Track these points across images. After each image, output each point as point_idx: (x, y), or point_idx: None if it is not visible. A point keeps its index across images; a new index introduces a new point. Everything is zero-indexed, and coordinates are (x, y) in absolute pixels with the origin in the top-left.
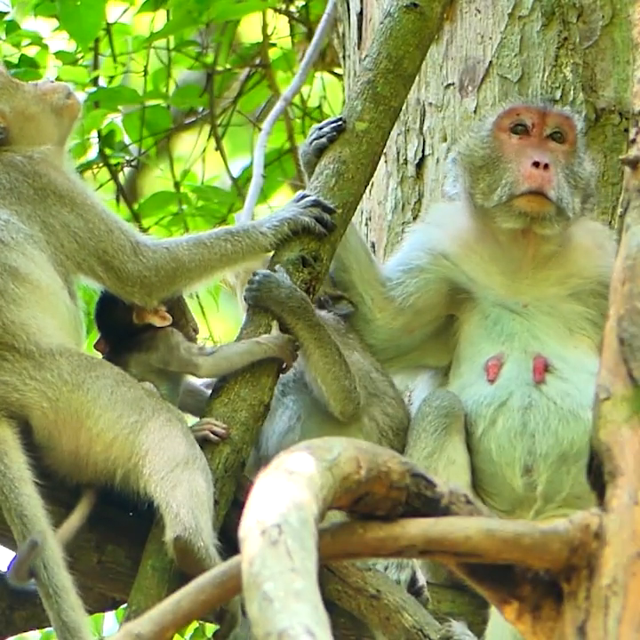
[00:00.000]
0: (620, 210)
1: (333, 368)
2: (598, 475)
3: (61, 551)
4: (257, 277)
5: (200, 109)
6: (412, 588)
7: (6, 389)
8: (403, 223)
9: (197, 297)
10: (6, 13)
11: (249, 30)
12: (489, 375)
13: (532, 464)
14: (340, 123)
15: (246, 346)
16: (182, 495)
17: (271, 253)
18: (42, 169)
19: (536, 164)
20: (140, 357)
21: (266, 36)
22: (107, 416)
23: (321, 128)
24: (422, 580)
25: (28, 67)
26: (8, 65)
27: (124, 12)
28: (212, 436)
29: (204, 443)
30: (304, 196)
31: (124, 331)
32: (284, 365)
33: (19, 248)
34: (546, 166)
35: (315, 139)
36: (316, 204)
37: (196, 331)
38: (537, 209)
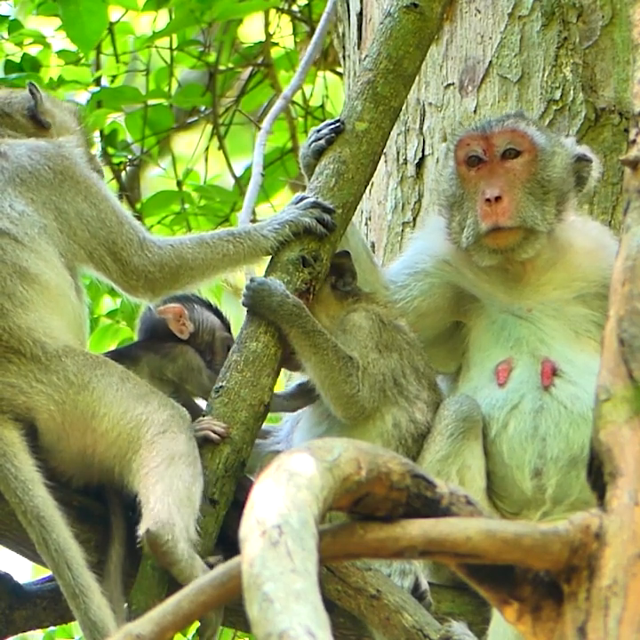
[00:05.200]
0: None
1: (331, 374)
2: (599, 475)
3: (82, 552)
4: (251, 284)
5: (202, 108)
6: (416, 593)
7: (13, 392)
8: (403, 223)
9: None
10: (8, 16)
11: (251, 29)
12: (499, 379)
13: (542, 467)
14: (337, 124)
15: None
16: (162, 490)
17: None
18: (66, 153)
19: (488, 201)
20: (154, 360)
21: (268, 36)
22: (112, 413)
23: (319, 130)
24: (425, 585)
25: (30, 66)
26: (10, 64)
27: (126, 11)
28: (212, 434)
29: (204, 442)
30: (303, 198)
31: (153, 330)
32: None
33: (32, 245)
34: (498, 198)
35: (313, 141)
36: (315, 205)
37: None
38: (503, 243)
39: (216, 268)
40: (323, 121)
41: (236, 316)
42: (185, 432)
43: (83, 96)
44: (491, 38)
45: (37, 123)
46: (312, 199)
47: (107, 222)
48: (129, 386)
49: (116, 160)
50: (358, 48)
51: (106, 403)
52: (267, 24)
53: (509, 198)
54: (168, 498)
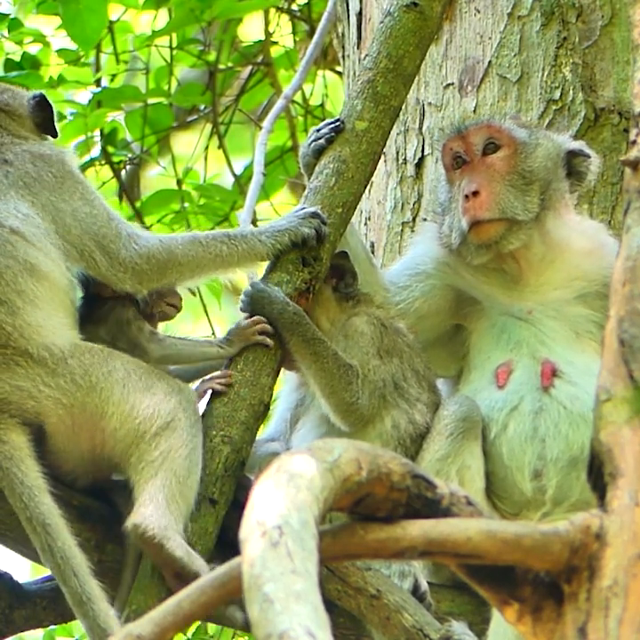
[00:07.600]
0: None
1: (331, 382)
2: (599, 476)
3: (86, 559)
4: (250, 291)
5: (202, 107)
6: (415, 594)
7: (21, 395)
8: (402, 223)
9: (200, 296)
10: (8, 14)
11: (251, 28)
12: (499, 381)
13: (542, 468)
14: (337, 124)
15: (199, 346)
16: (155, 487)
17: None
18: (67, 159)
19: (466, 197)
20: (89, 328)
21: (268, 35)
22: (120, 411)
23: (319, 130)
24: (425, 586)
25: (30, 65)
26: (10, 63)
27: (126, 10)
28: (218, 386)
29: (213, 394)
30: (303, 208)
31: (87, 301)
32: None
33: (40, 244)
34: (475, 193)
35: (313, 140)
36: (315, 215)
37: (175, 307)
38: (486, 237)
39: (207, 267)
40: (322, 120)
41: (235, 316)
42: (190, 417)
43: (83, 95)
44: (490, 38)
45: (46, 131)
46: (312, 209)
47: (99, 217)
48: (135, 379)
49: (115, 159)
50: (358, 48)
51: (114, 402)
52: (266, 23)
53: (487, 192)
54: (160, 494)
